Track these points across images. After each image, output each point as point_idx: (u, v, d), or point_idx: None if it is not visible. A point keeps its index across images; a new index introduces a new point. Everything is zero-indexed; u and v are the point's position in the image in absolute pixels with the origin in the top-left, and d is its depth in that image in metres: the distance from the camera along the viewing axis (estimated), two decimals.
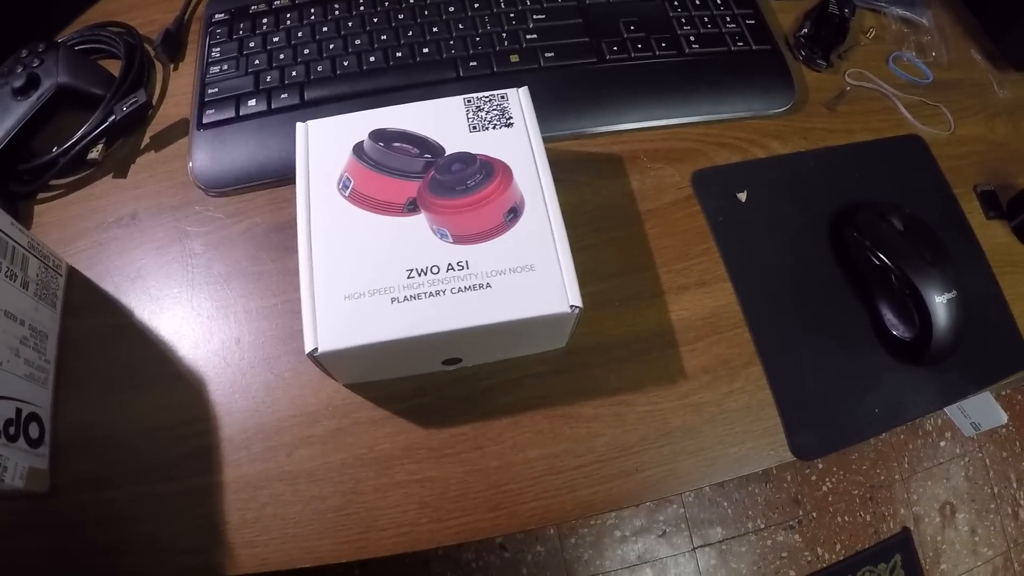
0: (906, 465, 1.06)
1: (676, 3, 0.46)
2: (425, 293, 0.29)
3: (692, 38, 0.44)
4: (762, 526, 1.00)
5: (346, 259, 0.30)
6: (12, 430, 0.31)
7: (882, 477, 1.04)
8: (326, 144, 0.33)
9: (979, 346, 0.39)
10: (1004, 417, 0.50)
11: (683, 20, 0.45)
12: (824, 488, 1.03)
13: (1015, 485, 1.07)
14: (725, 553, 0.99)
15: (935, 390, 0.38)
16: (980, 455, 1.08)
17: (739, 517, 1.01)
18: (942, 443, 1.08)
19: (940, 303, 0.36)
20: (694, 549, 0.98)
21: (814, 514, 1.02)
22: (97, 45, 0.45)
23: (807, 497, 1.02)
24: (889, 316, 0.38)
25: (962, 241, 0.42)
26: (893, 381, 0.38)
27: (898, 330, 0.38)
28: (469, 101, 0.34)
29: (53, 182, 0.41)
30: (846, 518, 1.02)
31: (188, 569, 0.33)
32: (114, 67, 0.44)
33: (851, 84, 0.46)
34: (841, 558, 0.99)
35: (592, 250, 0.38)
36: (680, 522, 0.99)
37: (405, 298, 0.29)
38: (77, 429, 0.35)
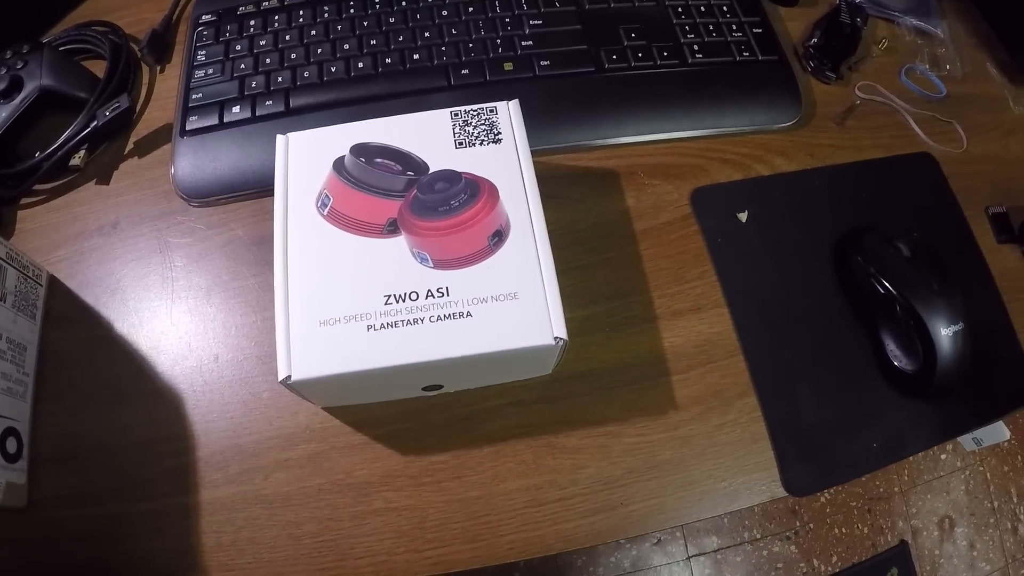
0: (906, 478, 1.04)
1: (680, 10, 0.44)
2: (403, 321, 0.28)
3: (696, 47, 0.42)
4: (758, 536, 0.99)
5: (323, 283, 0.29)
6: None
7: (881, 489, 1.03)
8: (306, 158, 0.32)
9: (985, 378, 0.37)
10: (1007, 433, 0.49)
11: (687, 28, 0.43)
12: (822, 499, 1.02)
13: (1015, 500, 1.05)
14: (720, 563, 0.97)
15: (937, 424, 0.37)
16: (981, 469, 1.06)
17: (735, 527, 0.99)
18: (943, 456, 1.06)
19: (946, 335, 0.35)
20: (689, 558, 0.97)
21: (811, 525, 1.00)
22: (83, 45, 0.44)
23: (804, 508, 1.01)
24: (892, 347, 0.37)
25: (971, 266, 0.40)
26: (893, 414, 0.36)
27: (901, 362, 0.36)
28: (456, 115, 0.33)
29: (36, 187, 0.40)
30: (843, 530, 1.00)
31: None
32: (101, 68, 0.43)
33: (861, 98, 0.44)
34: (837, 570, 0.98)
35: (583, 271, 0.37)
36: (675, 530, 0.98)
37: (382, 326, 0.28)
38: (57, 443, 0.34)
